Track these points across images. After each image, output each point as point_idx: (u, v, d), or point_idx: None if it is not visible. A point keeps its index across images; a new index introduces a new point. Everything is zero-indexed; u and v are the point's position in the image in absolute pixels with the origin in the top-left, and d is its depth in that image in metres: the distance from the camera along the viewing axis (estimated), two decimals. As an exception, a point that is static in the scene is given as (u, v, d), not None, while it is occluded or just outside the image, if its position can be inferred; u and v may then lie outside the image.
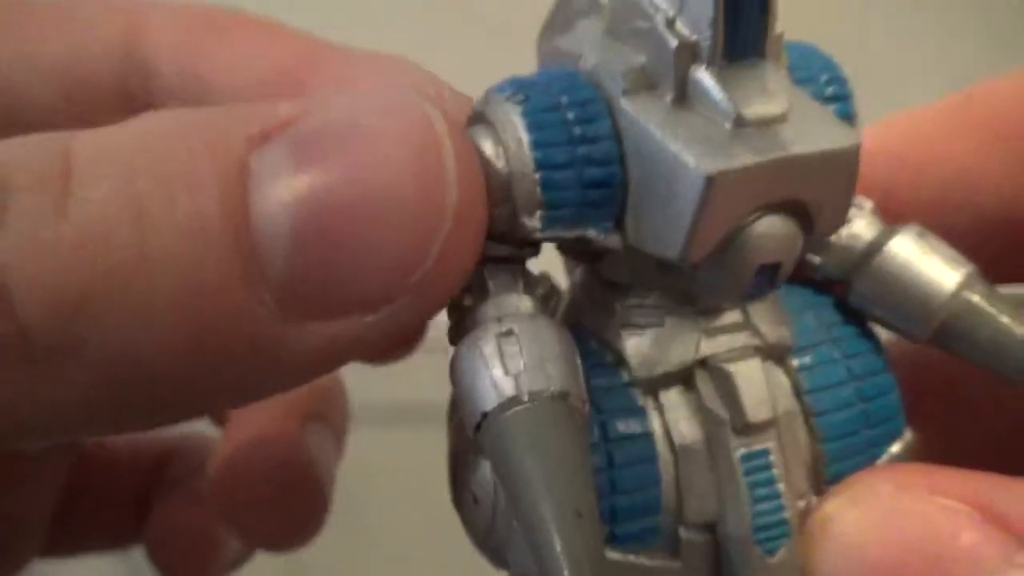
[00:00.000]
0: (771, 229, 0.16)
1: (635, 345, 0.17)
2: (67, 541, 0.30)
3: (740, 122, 0.16)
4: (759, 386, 0.17)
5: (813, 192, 0.16)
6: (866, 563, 0.16)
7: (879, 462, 0.18)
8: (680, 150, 0.15)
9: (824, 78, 0.18)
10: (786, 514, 0.17)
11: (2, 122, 0.23)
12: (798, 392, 0.18)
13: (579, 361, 0.17)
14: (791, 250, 0.16)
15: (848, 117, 0.18)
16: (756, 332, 0.18)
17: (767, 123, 0.16)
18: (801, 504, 0.18)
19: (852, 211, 0.19)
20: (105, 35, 0.23)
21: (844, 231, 0.19)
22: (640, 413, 0.17)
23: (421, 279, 0.16)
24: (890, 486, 0.17)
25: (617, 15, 0.17)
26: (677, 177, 0.15)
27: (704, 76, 0.16)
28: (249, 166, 0.15)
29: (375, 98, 0.16)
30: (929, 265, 0.18)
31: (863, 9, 0.40)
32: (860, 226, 0.19)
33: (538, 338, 0.16)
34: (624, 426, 0.17)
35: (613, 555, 0.17)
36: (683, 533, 0.17)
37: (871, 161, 0.21)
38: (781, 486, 0.17)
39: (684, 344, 0.17)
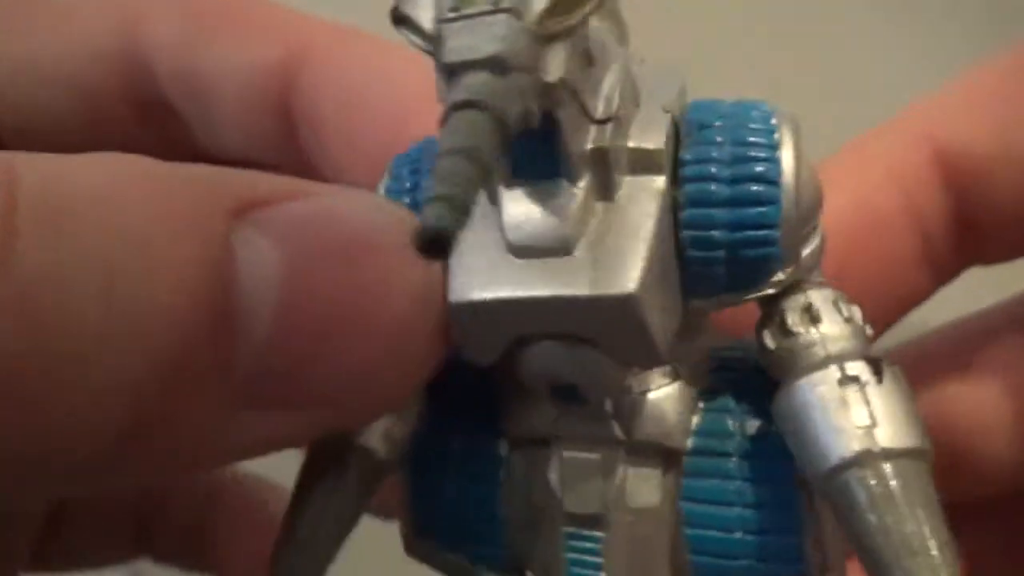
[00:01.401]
0: (540, 355, 0.16)
1: (507, 403, 0.18)
2: (60, 556, 0.29)
3: (511, 249, 0.15)
4: (589, 481, 0.17)
5: (584, 329, 0.15)
6: None
7: None
8: (452, 270, 0.16)
9: (732, 153, 0.16)
10: None
11: (7, 130, 0.23)
12: (677, 494, 0.17)
13: None
14: (578, 375, 0.16)
15: (767, 191, 0.16)
16: (618, 426, 0.17)
17: (539, 254, 0.15)
18: None
19: (827, 317, 0.16)
20: (103, 36, 0.23)
21: (802, 336, 0.16)
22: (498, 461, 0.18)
23: (380, 388, 0.15)
24: None
25: None
26: None
27: (502, 193, 0.15)
28: (233, 248, 0.14)
29: (366, 199, 0.16)
30: (830, 423, 0.16)
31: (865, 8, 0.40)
32: (808, 339, 0.16)
33: None
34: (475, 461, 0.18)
35: None
36: None
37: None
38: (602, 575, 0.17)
39: (536, 417, 0.18)
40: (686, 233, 0.16)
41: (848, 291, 0.17)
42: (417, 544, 0.19)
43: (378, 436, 0.18)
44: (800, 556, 0.17)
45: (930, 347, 0.23)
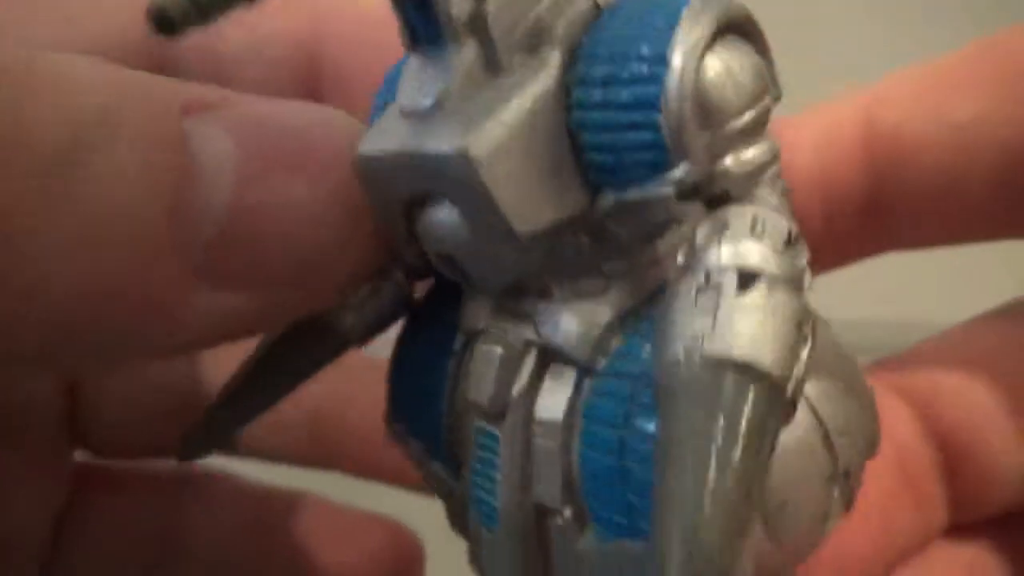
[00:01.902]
0: (427, 219, 0.16)
1: (465, 301, 0.18)
2: (68, 571, 0.29)
3: (400, 110, 0.16)
4: (488, 373, 0.17)
5: (443, 190, 0.16)
6: None
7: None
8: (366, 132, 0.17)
9: (628, 33, 0.15)
10: (496, 502, 0.17)
11: None
12: (573, 408, 0.17)
13: None
14: (453, 244, 0.16)
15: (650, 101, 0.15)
16: (537, 328, 0.17)
17: (417, 115, 0.16)
18: (566, 513, 0.17)
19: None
20: (126, 27, 0.23)
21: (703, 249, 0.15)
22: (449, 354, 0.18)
23: (331, 267, 0.17)
24: None
25: None
26: None
27: (410, 59, 0.16)
28: (185, 132, 0.15)
29: (304, 106, 0.17)
30: (672, 329, 0.15)
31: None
32: (706, 249, 0.15)
33: None
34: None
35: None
36: None
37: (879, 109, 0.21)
38: (498, 475, 0.17)
39: (476, 312, 0.18)
40: (573, 115, 0.15)
41: None
42: (391, 427, 0.20)
43: (342, 310, 0.19)
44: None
45: (926, 351, 0.23)
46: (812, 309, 0.15)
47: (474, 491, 0.18)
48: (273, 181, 0.16)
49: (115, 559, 0.29)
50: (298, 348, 0.20)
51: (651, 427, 0.15)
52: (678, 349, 0.14)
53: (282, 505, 0.28)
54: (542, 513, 0.17)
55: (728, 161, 0.15)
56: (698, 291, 0.14)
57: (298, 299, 0.17)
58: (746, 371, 0.13)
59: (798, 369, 0.14)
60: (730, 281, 0.14)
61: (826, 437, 0.16)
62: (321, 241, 0.16)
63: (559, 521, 0.17)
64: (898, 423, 0.21)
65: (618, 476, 0.15)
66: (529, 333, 0.17)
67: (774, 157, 0.16)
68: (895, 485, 0.21)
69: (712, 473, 0.13)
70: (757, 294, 0.14)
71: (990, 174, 0.21)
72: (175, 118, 0.16)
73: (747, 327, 0.14)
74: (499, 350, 0.17)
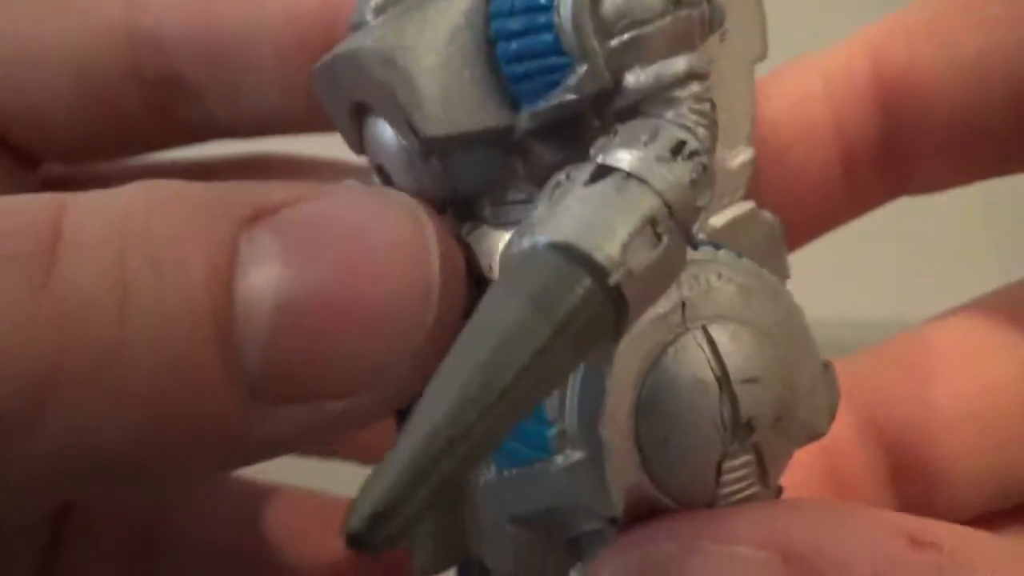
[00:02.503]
0: (366, 130, 0.17)
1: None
2: (62, 563, 0.29)
3: (350, 25, 0.17)
4: (493, 250, 0.17)
5: (369, 96, 0.16)
6: None
7: None
8: None
9: None
10: None
11: (12, 115, 0.23)
12: None
13: None
14: (384, 155, 0.17)
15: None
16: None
17: (358, 25, 0.17)
18: None
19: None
20: (106, 14, 0.23)
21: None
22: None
23: (391, 378, 0.16)
24: (671, 544, 0.15)
25: None
26: None
27: None
28: (238, 250, 0.15)
29: (368, 198, 0.16)
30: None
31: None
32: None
33: None
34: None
35: None
36: None
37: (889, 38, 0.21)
38: None
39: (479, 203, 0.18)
40: (491, 26, 0.16)
41: (761, 202, 0.16)
42: None
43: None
44: None
45: (880, 351, 0.22)
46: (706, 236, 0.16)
47: None
48: (325, 299, 0.15)
49: (106, 552, 0.29)
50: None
51: None
52: (512, 239, 0.14)
53: (268, 498, 0.28)
54: None
55: (634, 74, 0.15)
56: (556, 187, 0.14)
57: (359, 409, 0.16)
58: (563, 250, 0.13)
59: (635, 262, 0.13)
60: (583, 175, 0.14)
61: (725, 380, 0.15)
62: (385, 347, 0.16)
63: None
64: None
65: None
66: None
67: (689, 76, 0.15)
68: (822, 485, 0.21)
69: (481, 349, 0.12)
70: (605, 186, 0.14)
71: (1004, 105, 0.20)
72: (229, 239, 0.15)
73: (580, 213, 0.13)
74: (501, 234, 0.17)
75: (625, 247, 0.13)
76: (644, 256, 0.13)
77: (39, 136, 0.24)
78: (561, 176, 0.14)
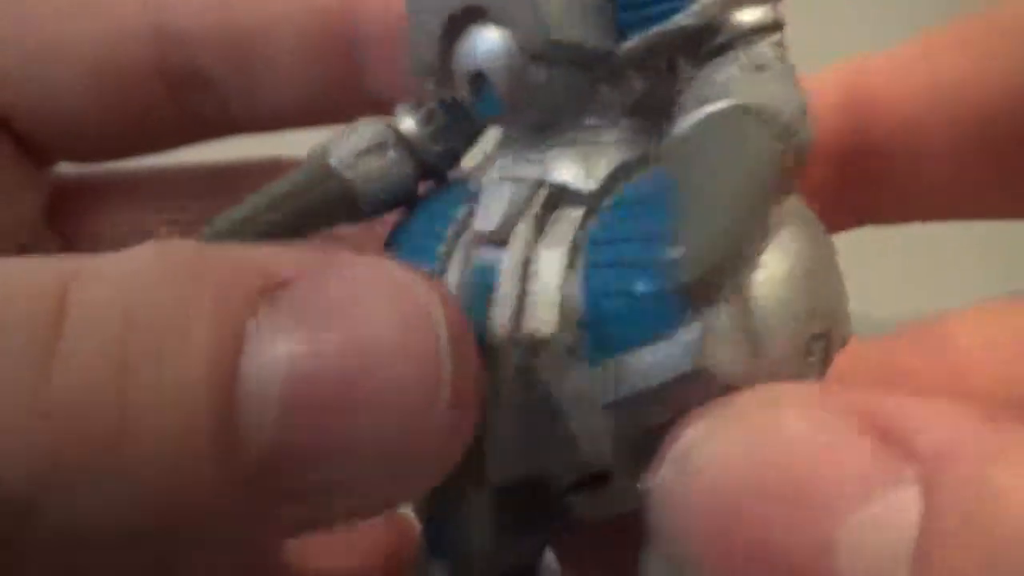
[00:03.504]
0: (470, 36, 0.17)
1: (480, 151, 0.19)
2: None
3: None
4: (498, 205, 0.18)
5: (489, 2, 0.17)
6: (729, 495, 0.14)
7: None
8: None
9: None
10: (486, 338, 0.17)
11: (32, 111, 0.23)
12: (576, 246, 0.18)
13: None
14: (491, 60, 0.17)
15: None
16: (547, 170, 0.18)
17: None
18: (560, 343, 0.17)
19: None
20: (128, 9, 0.23)
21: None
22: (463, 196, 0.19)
23: (404, 470, 0.15)
24: (758, 405, 0.14)
25: None
26: None
27: None
28: (246, 331, 0.15)
29: (377, 274, 0.16)
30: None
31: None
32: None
33: None
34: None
35: None
36: None
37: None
38: (494, 309, 0.17)
39: (484, 166, 0.19)
40: None
41: None
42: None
43: (350, 162, 0.19)
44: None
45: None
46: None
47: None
48: (327, 383, 0.15)
49: None
50: (311, 202, 0.19)
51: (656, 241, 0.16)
52: (693, 114, 0.16)
53: None
54: (531, 349, 0.17)
55: (741, 14, 0.17)
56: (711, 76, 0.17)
57: (368, 502, 0.16)
58: (759, 112, 0.16)
59: (805, 132, 0.16)
60: (746, 61, 0.17)
61: (811, 272, 0.16)
62: (387, 445, 0.15)
63: (550, 354, 0.17)
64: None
65: (624, 287, 0.16)
66: (540, 173, 0.18)
67: (775, 25, 0.17)
68: None
69: (730, 179, 0.15)
70: (775, 70, 0.16)
71: (971, 132, 0.21)
72: (236, 319, 0.15)
73: (768, 88, 0.16)
74: (510, 184, 0.18)
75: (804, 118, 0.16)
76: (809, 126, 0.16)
77: (57, 132, 0.24)
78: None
